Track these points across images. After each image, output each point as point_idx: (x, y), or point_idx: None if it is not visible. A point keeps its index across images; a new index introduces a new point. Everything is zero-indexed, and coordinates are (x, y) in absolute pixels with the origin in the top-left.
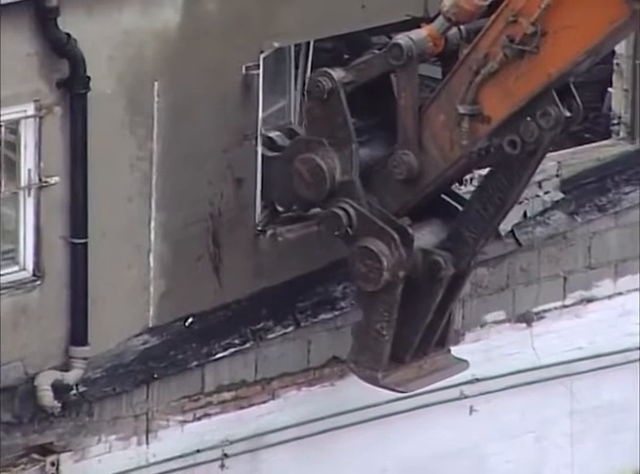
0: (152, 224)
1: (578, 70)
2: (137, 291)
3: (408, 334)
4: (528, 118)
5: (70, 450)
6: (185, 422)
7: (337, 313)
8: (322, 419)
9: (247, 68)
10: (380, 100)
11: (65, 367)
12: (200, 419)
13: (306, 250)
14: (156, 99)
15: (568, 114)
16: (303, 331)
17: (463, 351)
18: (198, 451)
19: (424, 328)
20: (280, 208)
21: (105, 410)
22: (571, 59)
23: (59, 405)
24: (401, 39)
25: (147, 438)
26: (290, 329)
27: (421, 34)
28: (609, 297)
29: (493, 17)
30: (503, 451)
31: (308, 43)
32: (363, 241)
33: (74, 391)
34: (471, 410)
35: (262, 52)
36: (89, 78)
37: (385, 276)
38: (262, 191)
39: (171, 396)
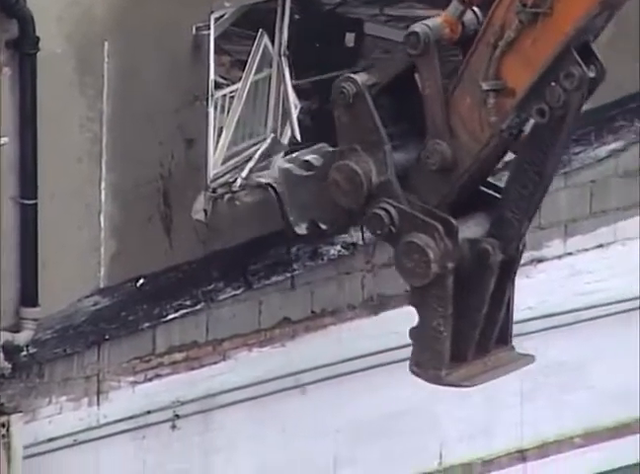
0: (102, 185)
1: (594, 26)
2: (88, 252)
3: (467, 329)
4: (553, 84)
5: (20, 412)
6: (136, 383)
7: (289, 275)
8: (273, 379)
9: (197, 28)
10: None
11: (16, 328)
12: (151, 380)
13: (259, 213)
14: (106, 59)
15: (592, 74)
16: (254, 292)
17: (411, 310)
18: (149, 412)
19: (482, 321)
20: (323, 227)
21: (55, 371)
22: (585, 14)
23: (10, 366)
24: (417, 26)
25: (98, 400)
26: (241, 290)
27: (436, 20)
28: (559, 257)
29: None
30: (454, 410)
31: (284, 2)
32: (408, 237)
33: (24, 352)
34: None
35: (212, 12)
36: (38, 38)
37: (433, 269)
38: (300, 212)
39: (122, 357)
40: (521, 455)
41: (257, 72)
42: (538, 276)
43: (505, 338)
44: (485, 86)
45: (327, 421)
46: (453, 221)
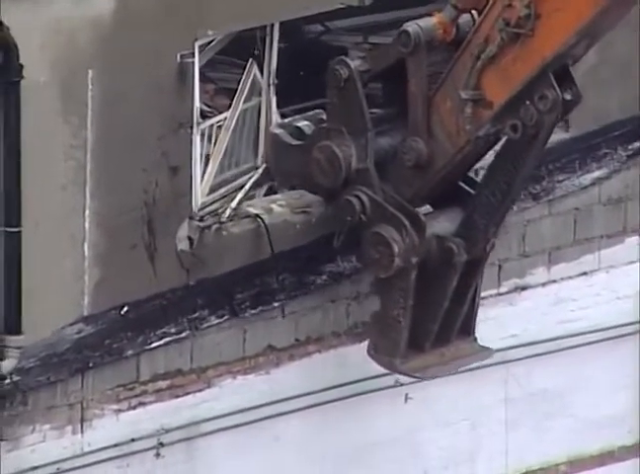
0: (87, 213)
1: (575, 53)
2: (72, 280)
3: (426, 321)
4: (527, 102)
5: (4, 440)
6: (120, 410)
7: (275, 304)
8: (258, 407)
9: (182, 56)
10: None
11: None
12: (135, 407)
13: (246, 243)
14: (90, 87)
15: (568, 97)
16: (239, 320)
17: None
18: (133, 440)
19: (441, 315)
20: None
21: (39, 399)
22: (563, 42)
23: None
24: (410, 26)
25: (82, 428)
26: (226, 318)
27: (430, 21)
28: (543, 285)
29: (492, 0)
30: (437, 438)
31: (272, 31)
32: (376, 227)
33: (8, 380)
34: (406, 398)
35: (196, 40)
36: (22, 66)
37: (396, 263)
38: (284, 178)
39: (106, 385)
40: None
41: (245, 101)
42: (522, 303)
43: (467, 329)
44: (464, 95)
45: (311, 448)
46: (422, 218)
